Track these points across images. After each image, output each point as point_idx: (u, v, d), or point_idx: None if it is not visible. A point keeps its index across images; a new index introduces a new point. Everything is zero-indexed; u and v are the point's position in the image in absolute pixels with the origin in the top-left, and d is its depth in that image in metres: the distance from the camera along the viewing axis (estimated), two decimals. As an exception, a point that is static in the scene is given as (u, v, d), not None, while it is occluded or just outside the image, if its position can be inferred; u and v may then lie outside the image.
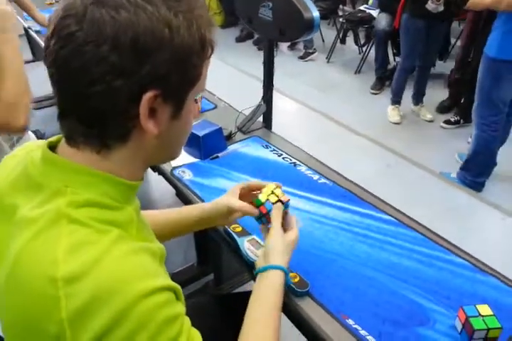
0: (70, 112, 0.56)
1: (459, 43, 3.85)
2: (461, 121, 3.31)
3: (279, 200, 0.93)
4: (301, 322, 0.93)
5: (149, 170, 1.47)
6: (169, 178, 1.38)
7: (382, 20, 3.71)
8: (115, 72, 0.51)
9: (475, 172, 2.61)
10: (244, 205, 0.95)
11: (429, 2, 2.77)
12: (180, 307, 0.58)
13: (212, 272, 1.92)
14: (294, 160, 1.41)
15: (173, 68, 0.54)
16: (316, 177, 1.33)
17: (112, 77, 0.51)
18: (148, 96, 0.53)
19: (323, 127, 3.37)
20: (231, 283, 1.87)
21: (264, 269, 0.86)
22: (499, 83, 2.31)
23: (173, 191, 1.41)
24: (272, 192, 0.94)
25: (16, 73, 1.08)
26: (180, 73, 0.55)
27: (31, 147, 0.67)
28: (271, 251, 0.88)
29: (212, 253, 1.83)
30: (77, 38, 0.50)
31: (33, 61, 3.79)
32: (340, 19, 4.45)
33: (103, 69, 0.51)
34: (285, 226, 0.93)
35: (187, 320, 0.59)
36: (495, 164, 2.67)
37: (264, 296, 0.82)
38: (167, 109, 0.57)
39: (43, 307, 0.50)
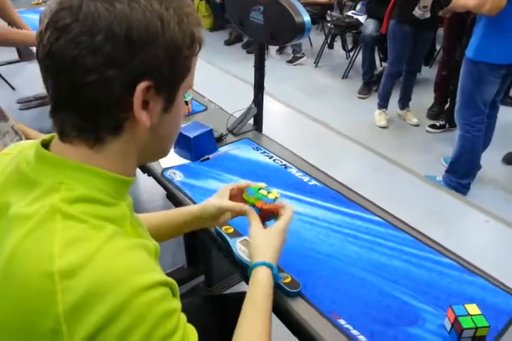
0: (64, 104, 0.56)
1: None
2: (447, 125, 3.36)
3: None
4: (292, 323, 0.94)
5: (139, 171, 1.47)
6: (160, 180, 1.38)
7: (369, 25, 3.76)
8: (109, 62, 0.52)
9: (460, 174, 2.66)
10: (235, 204, 0.97)
11: (416, 9, 2.83)
12: (177, 303, 0.58)
13: (202, 273, 1.92)
14: (284, 162, 1.43)
15: (165, 60, 0.56)
16: (306, 179, 1.35)
17: (106, 67, 0.52)
18: (141, 86, 0.54)
19: (311, 130, 3.38)
20: (222, 284, 1.87)
21: (251, 269, 0.88)
22: (479, 84, 2.38)
23: (162, 193, 1.41)
24: (260, 189, 0.98)
25: None
26: (170, 65, 0.57)
27: (24, 146, 0.67)
28: (252, 250, 0.91)
29: (202, 254, 1.83)
30: (73, 29, 0.52)
31: (18, 61, 3.77)
32: (329, 24, 4.50)
33: (97, 59, 0.52)
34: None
35: (183, 316, 0.60)
36: (479, 166, 2.72)
37: (253, 295, 0.84)
38: (159, 102, 0.59)
39: (40, 302, 0.50)
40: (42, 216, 0.54)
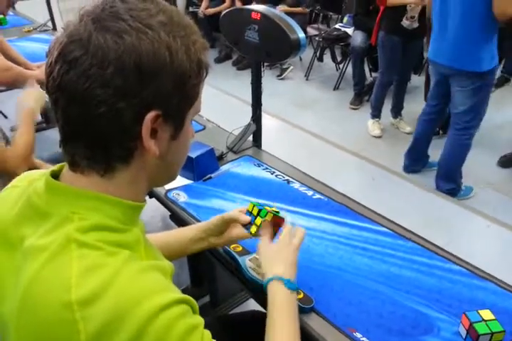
0: (74, 135, 0.57)
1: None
2: (440, 132, 3.39)
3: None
4: (309, 339, 0.93)
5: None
6: (164, 201, 1.37)
7: (357, 37, 3.82)
8: (119, 93, 0.53)
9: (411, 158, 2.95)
10: (238, 213, 0.98)
11: (404, 19, 2.89)
12: (198, 319, 0.58)
13: (207, 294, 1.90)
14: (287, 178, 1.44)
15: (174, 90, 0.56)
16: (310, 193, 1.36)
17: (116, 98, 0.53)
18: (150, 116, 0.55)
19: (306, 143, 3.41)
20: (228, 304, 1.86)
21: (265, 287, 0.88)
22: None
23: (163, 214, 1.40)
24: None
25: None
26: (179, 94, 0.58)
27: (32, 177, 0.67)
28: (263, 267, 0.91)
29: (207, 275, 1.82)
30: (83, 62, 0.52)
31: (9, 89, 3.77)
32: (317, 37, 4.56)
33: (108, 92, 0.53)
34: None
35: (207, 332, 0.60)
36: (427, 154, 2.95)
37: (269, 312, 0.83)
38: (167, 130, 0.59)
39: (61, 333, 0.50)
40: (57, 246, 0.54)
